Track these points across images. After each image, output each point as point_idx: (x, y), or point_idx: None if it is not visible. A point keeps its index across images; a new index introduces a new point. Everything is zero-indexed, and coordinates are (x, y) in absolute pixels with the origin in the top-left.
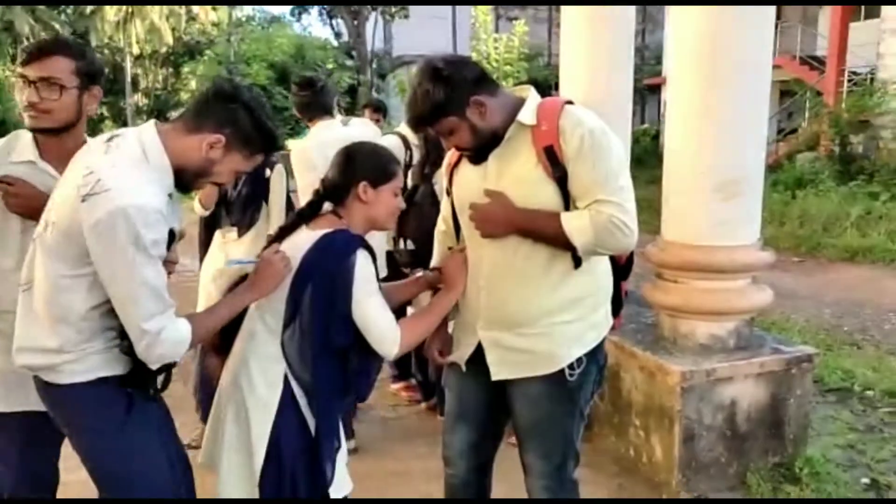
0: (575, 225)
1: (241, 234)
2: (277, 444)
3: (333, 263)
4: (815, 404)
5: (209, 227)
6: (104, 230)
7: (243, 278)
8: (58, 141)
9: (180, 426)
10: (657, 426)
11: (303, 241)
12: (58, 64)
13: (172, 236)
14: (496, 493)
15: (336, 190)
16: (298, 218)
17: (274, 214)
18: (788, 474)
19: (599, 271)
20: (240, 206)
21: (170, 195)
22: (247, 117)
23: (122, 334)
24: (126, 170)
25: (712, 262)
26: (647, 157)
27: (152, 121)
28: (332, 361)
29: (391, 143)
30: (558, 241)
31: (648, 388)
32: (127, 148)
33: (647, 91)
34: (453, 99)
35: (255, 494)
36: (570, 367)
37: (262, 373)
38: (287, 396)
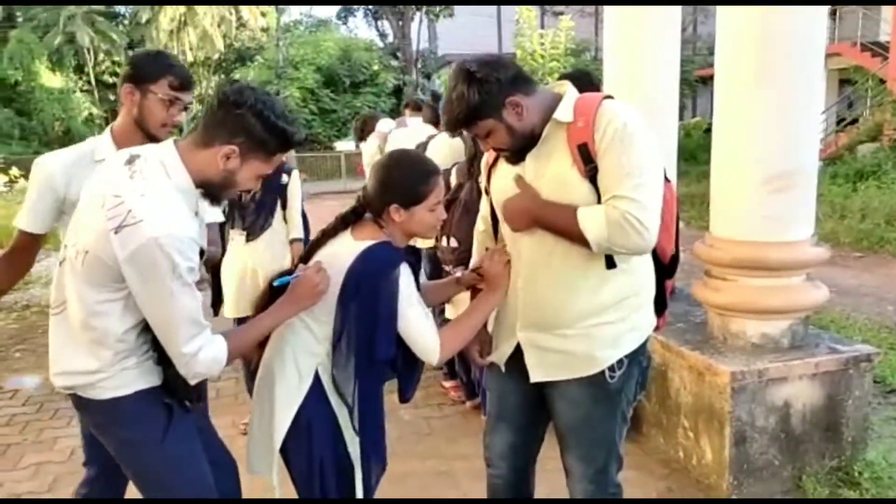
0: (589, 220)
1: (249, 239)
2: (309, 434)
3: (377, 281)
4: (876, 405)
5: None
6: (140, 262)
7: (278, 290)
8: (141, 143)
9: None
10: (707, 427)
11: (346, 251)
12: None
13: (202, 255)
14: (539, 493)
15: (373, 205)
16: (342, 223)
17: (291, 219)
18: (847, 478)
19: (641, 271)
20: (254, 211)
21: (196, 213)
22: (256, 121)
23: (155, 346)
24: (155, 198)
25: (763, 259)
26: (699, 152)
27: (171, 140)
28: (375, 375)
29: (454, 144)
30: (576, 237)
31: (697, 388)
32: (151, 172)
33: (699, 83)
34: (488, 101)
35: (275, 479)
36: (611, 368)
37: (294, 362)
38: (316, 389)
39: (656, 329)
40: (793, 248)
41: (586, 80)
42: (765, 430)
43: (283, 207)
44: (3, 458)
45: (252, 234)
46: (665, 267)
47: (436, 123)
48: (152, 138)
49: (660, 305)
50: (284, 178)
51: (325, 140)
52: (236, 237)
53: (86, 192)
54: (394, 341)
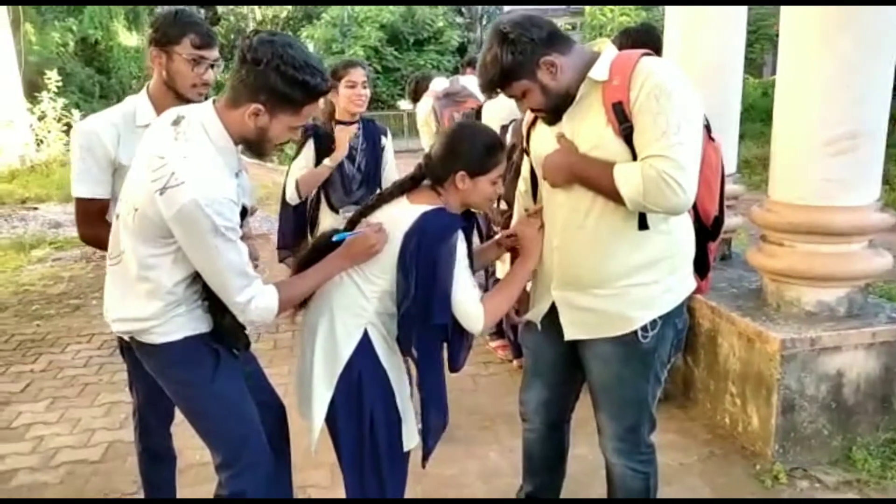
0: (625, 176)
1: None
2: (359, 388)
3: (437, 247)
4: None
5: (299, 213)
6: (184, 221)
7: (330, 246)
8: (175, 104)
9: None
10: (754, 395)
11: (403, 214)
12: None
13: (245, 213)
14: (576, 453)
15: (436, 172)
16: (399, 189)
17: (388, 182)
18: None
19: (678, 233)
20: (363, 181)
21: (237, 173)
22: (277, 78)
23: (206, 296)
24: (197, 160)
25: (822, 224)
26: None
27: (210, 100)
28: (433, 337)
29: (512, 103)
30: (612, 193)
31: (747, 355)
32: (193, 134)
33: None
34: (522, 62)
35: (316, 432)
36: (644, 329)
37: (342, 323)
38: (365, 346)
39: (698, 292)
40: (855, 213)
41: (646, 37)
42: (815, 399)
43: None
44: (81, 397)
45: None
46: (708, 229)
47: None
48: (185, 100)
49: (702, 268)
50: (383, 140)
51: (389, 99)
52: (345, 216)
53: (137, 152)
54: (450, 307)
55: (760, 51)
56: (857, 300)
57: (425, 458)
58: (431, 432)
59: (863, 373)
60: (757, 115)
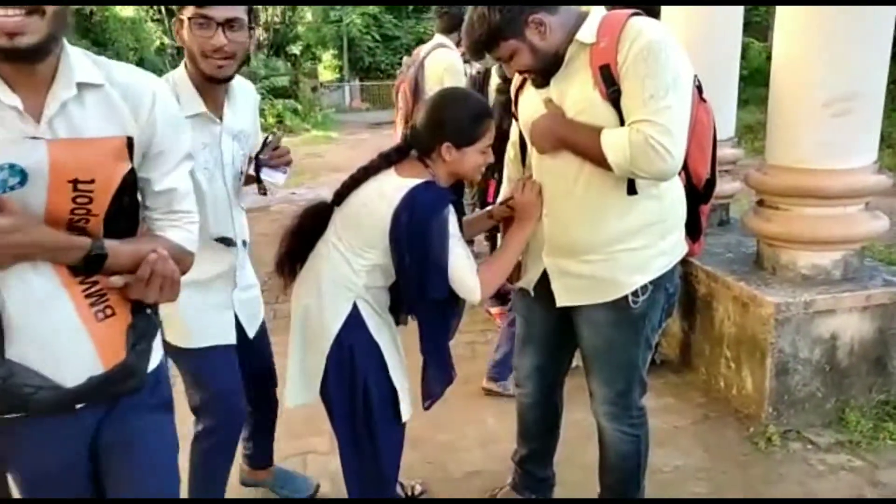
0: (612, 142)
1: None
2: (351, 361)
3: (428, 222)
4: None
5: None
6: None
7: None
8: (219, 89)
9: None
10: (748, 358)
11: (391, 188)
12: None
13: None
14: (573, 418)
15: (421, 143)
16: (385, 161)
17: None
18: (894, 412)
19: (669, 197)
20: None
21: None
22: None
23: None
24: None
25: (819, 187)
26: None
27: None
28: (430, 308)
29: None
30: (599, 159)
31: (741, 319)
32: None
33: None
34: (510, 20)
35: (310, 397)
36: (635, 294)
37: (330, 297)
38: (355, 320)
39: (690, 255)
40: (851, 175)
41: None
42: (808, 361)
43: None
44: None
45: None
46: (699, 192)
47: (449, 31)
48: (207, 77)
49: (694, 231)
50: None
51: (388, 68)
52: None
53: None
54: (446, 281)
55: (766, 13)
56: (853, 263)
57: (428, 401)
58: (434, 383)
59: (857, 335)
60: (762, 80)
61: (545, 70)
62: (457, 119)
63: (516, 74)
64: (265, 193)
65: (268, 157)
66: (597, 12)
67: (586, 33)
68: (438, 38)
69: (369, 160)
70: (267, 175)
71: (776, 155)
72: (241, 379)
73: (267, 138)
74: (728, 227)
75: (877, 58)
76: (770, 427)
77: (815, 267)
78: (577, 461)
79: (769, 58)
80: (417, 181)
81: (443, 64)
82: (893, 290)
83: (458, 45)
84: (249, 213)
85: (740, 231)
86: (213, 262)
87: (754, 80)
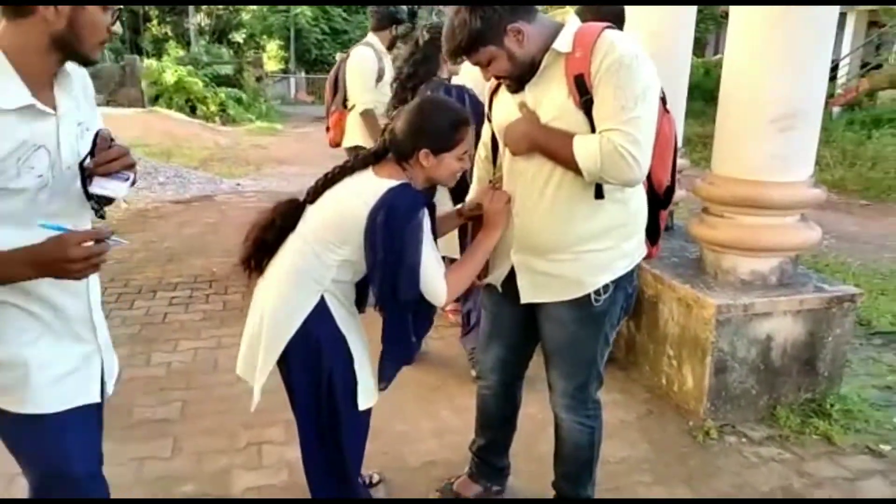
0: (583, 149)
1: None
2: (318, 350)
3: (402, 225)
4: (859, 346)
5: None
6: None
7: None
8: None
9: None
10: (690, 357)
11: (368, 187)
12: None
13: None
14: (526, 412)
15: (399, 148)
16: (362, 163)
17: None
18: (819, 409)
19: (633, 202)
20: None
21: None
22: None
23: None
24: None
25: (763, 198)
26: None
27: None
28: (399, 311)
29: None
30: (571, 164)
31: (685, 320)
32: None
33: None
34: (490, 27)
35: (257, 390)
36: (597, 292)
37: (297, 289)
38: (321, 312)
39: (648, 258)
40: (792, 187)
41: (608, 12)
42: (745, 361)
43: None
44: None
45: None
46: (660, 198)
47: (378, 29)
48: None
49: (653, 235)
50: None
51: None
52: None
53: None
54: (418, 283)
55: (705, 30)
56: (788, 270)
57: (383, 384)
58: (389, 366)
59: (790, 337)
60: (699, 95)
61: (520, 76)
62: (435, 126)
63: (492, 79)
64: (102, 215)
65: (97, 162)
66: (572, 23)
67: (562, 43)
68: (369, 36)
69: (345, 161)
70: (99, 186)
71: (722, 166)
72: None
73: (95, 137)
74: (672, 233)
75: (819, 77)
76: (708, 422)
77: (753, 272)
78: (531, 452)
79: (707, 73)
80: (394, 182)
81: (354, 61)
82: (824, 296)
83: (391, 43)
84: (193, 203)
85: (683, 237)
86: None
87: (692, 95)
